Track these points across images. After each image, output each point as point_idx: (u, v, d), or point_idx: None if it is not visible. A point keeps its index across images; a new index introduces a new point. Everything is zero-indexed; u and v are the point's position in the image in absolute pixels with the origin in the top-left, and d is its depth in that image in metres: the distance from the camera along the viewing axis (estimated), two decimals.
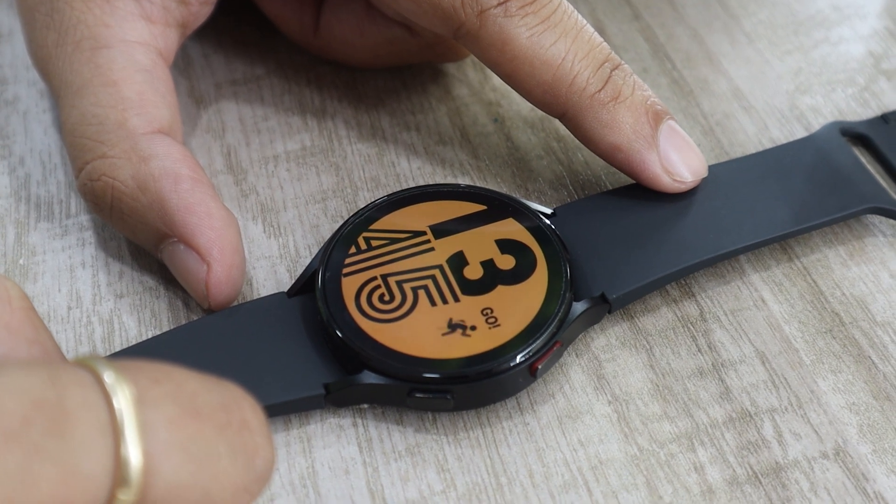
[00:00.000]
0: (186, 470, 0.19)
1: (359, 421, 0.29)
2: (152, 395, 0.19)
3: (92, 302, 0.32)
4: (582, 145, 0.33)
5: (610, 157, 0.32)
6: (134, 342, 0.31)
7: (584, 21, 0.32)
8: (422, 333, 0.28)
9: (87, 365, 0.20)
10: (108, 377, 0.19)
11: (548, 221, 0.31)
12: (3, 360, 0.21)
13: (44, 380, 0.19)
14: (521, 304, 0.29)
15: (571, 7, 0.31)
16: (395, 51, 0.36)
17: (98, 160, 0.30)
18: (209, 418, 0.20)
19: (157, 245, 0.31)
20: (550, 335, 0.28)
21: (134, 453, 0.19)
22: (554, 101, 0.31)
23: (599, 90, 0.31)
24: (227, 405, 0.21)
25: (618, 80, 0.31)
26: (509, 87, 0.35)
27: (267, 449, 0.21)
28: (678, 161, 0.32)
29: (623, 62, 0.32)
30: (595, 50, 0.31)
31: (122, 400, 0.19)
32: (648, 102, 0.32)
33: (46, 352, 0.22)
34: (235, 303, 0.31)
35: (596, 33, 0.32)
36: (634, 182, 0.32)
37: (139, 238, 0.31)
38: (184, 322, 0.31)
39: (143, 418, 0.19)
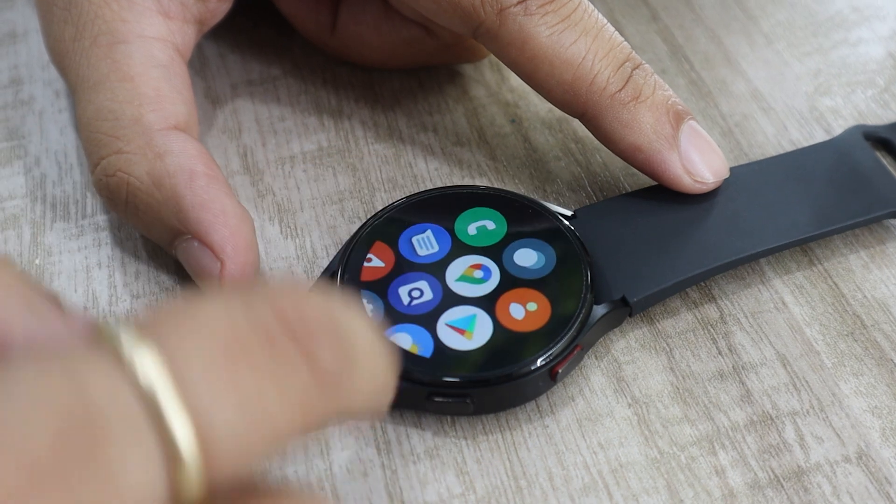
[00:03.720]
0: (241, 420, 0.17)
1: (377, 423, 0.29)
2: (183, 351, 0.17)
3: (108, 302, 0.32)
4: (600, 146, 0.32)
5: (630, 157, 0.32)
6: None
7: (605, 20, 0.31)
8: None
9: (102, 334, 0.17)
10: (128, 348, 0.17)
11: (568, 223, 0.31)
12: (3, 349, 0.18)
13: (62, 380, 0.16)
14: (540, 306, 0.29)
15: (592, 6, 0.31)
16: (413, 51, 0.36)
17: (113, 156, 0.30)
18: (250, 352, 0.18)
19: (171, 242, 0.31)
20: (571, 339, 0.28)
21: (181, 432, 0.16)
22: (574, 101, 0.31)
23: (620, 90, 0.31)
24: (268, 319, 0.18)
25: (639, 79, 0.31)
26: (527, 88, 0.35)
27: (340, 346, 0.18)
28: (699, 161, 0.31)
29: (644, 62, 0.32)
30: (616, 49, 0.31)
31: (152, 373, 0.16)
32: (669, 102, 0.31)
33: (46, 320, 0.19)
34: None
35: (616, 32, 0.31)
36: (655, 184, 0.32)
37: (154, 234, 0.31)
38: None
39: (177, 382, 0.17)
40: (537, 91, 0.32)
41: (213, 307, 0.18)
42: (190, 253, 0.30)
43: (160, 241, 0.31)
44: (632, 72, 0.31)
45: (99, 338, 0.17)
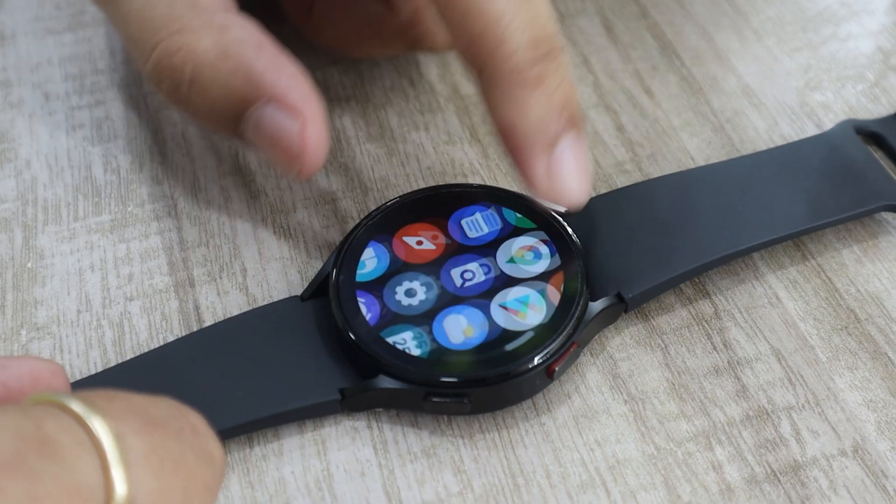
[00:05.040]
0: (164, 475, 0.20)
1: (374, 423, 0.29)
2: (114, 412, 0.20)
3: (102, 305, 0.31)
4: (593, 144, 0.32)
5: (503, 136, 0.29)
6: (145, 346, 0.30)
7: None
8: None
9: (48, 400, 0.20)
10: (74, 404, 0.20)
11: (562, 220, 0.31)
12: None
13: (17, 416, 0.19)
14: (536, 304, 0.29)
15: None
16: (377, 31, 0.35)
17: (174, 35, 0.29)
18: (167, 426, 0.21)
19: (240, 115, 0.29)
20: (567, 336, 0.28)
21: (118, 468, 0.20)
22: (474, 56, 0.29)
23: (524, 67, 0.28)
24: (175, 415, 0.22)
25: (549, 66, 0.28)
26: None
27: (219, 449, 0.22)
28: (567, 174, 0.29)
29: (563, 52, 0.29)
30: (541, 25, 0.28)
31: (95, 420, 0.20)
32: (569, 104, 0.29)
33: None
34: (246, 307, 0.31)
35: (552, 14, 0.29)
36: (648, 179, 0.32)
37: (218, 113, 0.30)
38: (194, 326, 0.31)
39: (116, 431, 0.20)
40: (449, 31, 0.29)
41: (131, 392, 0.22)
42: (265, 119, 0.29)
43: (223, 122, 0.30)
44: (545, 55, 0.28)
45: (42, 399, 0.21)
